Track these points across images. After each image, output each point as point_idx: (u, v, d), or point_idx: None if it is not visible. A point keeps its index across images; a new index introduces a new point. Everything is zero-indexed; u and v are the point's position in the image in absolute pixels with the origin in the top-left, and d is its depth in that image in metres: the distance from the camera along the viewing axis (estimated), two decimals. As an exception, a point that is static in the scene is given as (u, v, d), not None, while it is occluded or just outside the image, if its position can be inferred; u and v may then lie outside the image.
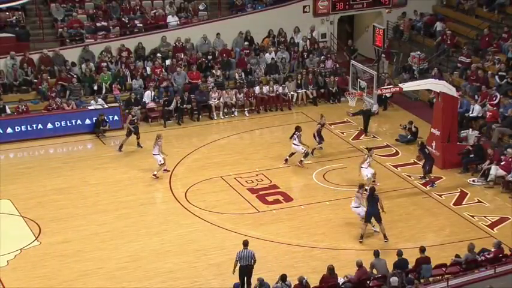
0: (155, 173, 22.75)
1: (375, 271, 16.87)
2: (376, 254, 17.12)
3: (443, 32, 29.98)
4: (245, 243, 16.93)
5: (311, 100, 28.80)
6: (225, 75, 28.83)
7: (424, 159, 22.58)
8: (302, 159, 23.36)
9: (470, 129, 24.84)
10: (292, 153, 23.48)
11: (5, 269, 18.26)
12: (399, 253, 17.11)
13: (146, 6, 30.27)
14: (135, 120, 24.89)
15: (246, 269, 16.70)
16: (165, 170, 23.00)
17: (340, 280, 16.48)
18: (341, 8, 31.20)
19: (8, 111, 25.83)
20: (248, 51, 29.68)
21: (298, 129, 23.45)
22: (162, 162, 22.71)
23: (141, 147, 24.71)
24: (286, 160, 23.57)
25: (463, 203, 21.52)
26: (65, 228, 20.04)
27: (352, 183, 22.45)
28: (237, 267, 16.78)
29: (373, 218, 19.27)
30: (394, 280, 15.93)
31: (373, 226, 19.77)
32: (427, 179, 22.42)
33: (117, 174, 23.13)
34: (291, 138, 23.45)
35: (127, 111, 25.93)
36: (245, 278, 16.72)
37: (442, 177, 22.92)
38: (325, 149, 24.58)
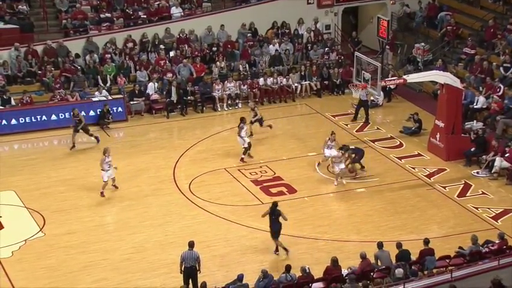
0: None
1: (378, 262, 16.89)
2: (380, 245, 17.12)
3: (448, 22, 29.90)
4: (190, 244, 16.66)
5: (315, 92, 28.77)
6: (229, 66, 28.81)
7: (355, 155, 22.29)
8: (242, 156, 23.01)
9: (475, 121, 24.81)
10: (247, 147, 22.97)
11: (10, 260, 18.32)
12: (399, 245, 17.09)
13: (150, -3, 30.25)
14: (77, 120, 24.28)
15: (190, 270, 16.48)
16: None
17: (344, 272, 16.50)
18: (345, -1, 31.18)
19: (13, 102, 25.88)
20: (252, 42, 29.65)
21: (242, 120, 23.11)
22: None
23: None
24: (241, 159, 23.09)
25: (467, 194, 21.51)
26: (70, 220, 20.09)
27: (354, 176, 22.48)
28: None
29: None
30: (399, 272, 15.95)
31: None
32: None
33: (122, 166, 23.10)
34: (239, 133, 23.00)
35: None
36: (190, 280, 16.48)
37: (446, 169, 22.92)
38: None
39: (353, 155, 22.32)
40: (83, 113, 25.39)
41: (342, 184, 21.72)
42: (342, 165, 21.66)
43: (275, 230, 18.30)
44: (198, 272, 16.67)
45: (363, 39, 31.63)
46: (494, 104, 24.79)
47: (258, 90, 28.02)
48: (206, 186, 21.93)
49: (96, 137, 24.51)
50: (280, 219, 18.27)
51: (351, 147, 22.53)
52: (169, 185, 22.06)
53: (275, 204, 18.48)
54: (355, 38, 31.29)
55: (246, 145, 23.00)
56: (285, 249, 18.38)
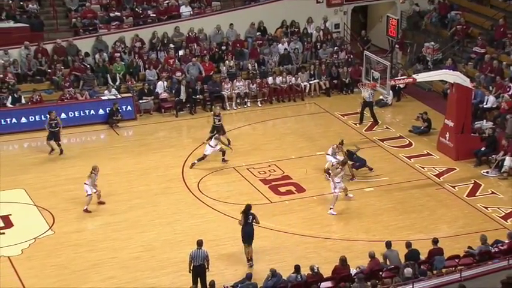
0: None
1: (387, 262, 16.85)
2: (389, 245, 17.09)
3: (458, 21, 29.79)
4: (199, 243, 16.69)
5: (324, 91, 28.73)
6: (238, 65, 28.82)
7: (354, 162, 22.14)
8: (223, 157, 22.91)
9: (485, 120, 24.72)
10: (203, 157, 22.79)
11: (19, 257, 18.39)
12: (408, 244, 17.05)
13: (159, -4, 30.28)
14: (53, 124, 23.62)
15: (199, 269, 16.53)
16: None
17: (353, 271, 16.48)
18: (355, -2, 31.13)
19: (23, 101, 25.97)
20: (261, 41, 29.64)
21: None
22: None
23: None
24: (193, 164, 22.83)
25: (477, 194, 21.44)
26: (79, 218, 20.15)
27: (363, 175, 22.46)
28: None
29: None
30: (408, 271, 15.92)
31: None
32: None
33: (130, 164, 23.20)
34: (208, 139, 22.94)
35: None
36: (198, 278, 16.52)
37: (455, 169, 22.84)
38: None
39: (353, 163, 22.13)
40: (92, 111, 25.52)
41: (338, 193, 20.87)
42: (340, 182, 20.41)
43: (249, 233, 17.77)
44: (207, 271, 16.70)
45: (372, 38, 31.58)
46: (504, 103, 24.69)
47: (267, 89, 28.01)
48: (215, 185, 21.95)
49: (61, 150, 23.75)
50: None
51: (356, 153, 22.30)
52: (178, 183, 22.08)
53: (249, 206, 18.06)
54: (365, 37, 31.24)
55: (208, 153, 22.73)
56: (250, 259, 17.88)
